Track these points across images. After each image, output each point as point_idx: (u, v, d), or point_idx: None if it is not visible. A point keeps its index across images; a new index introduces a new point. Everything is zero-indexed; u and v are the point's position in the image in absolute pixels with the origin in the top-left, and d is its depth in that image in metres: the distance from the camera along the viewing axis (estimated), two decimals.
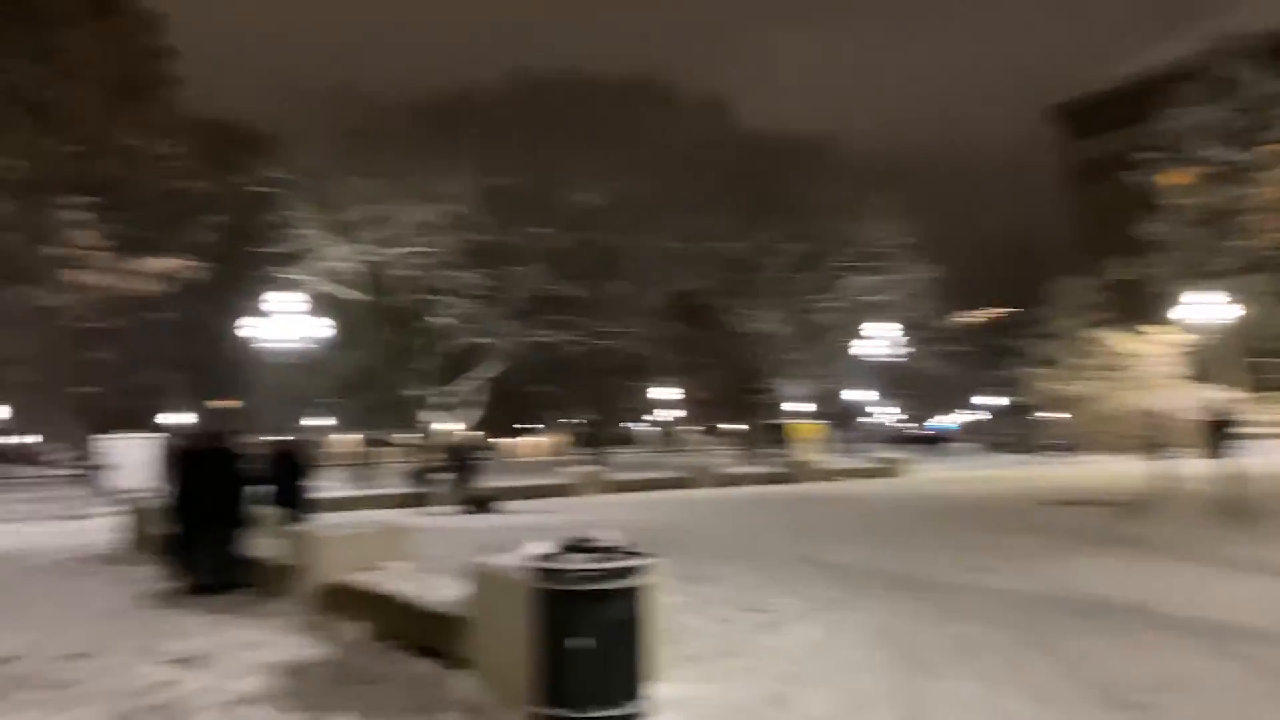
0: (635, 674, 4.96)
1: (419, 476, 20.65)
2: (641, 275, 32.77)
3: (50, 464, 43.29)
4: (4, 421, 40.90)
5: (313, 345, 24.59)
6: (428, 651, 6.47)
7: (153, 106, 25.63)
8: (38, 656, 6.88)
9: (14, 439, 46.21)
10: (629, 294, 32.48)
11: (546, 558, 4.99)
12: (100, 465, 23.72)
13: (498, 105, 30.40)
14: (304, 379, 29.71)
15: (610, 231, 31.26)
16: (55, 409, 35.65)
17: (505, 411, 35.53)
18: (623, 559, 4.93)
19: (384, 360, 29.99)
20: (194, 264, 27.60)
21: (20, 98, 22.12)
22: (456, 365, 30.72)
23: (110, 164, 24.43)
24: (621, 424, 52.36)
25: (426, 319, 29.77)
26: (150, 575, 10.19)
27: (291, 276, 26.67)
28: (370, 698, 5.74)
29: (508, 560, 5.34)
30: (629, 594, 4.93)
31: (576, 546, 5.03)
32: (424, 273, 29.22)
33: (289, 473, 13.32)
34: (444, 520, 16.74)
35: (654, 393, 43.76)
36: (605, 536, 5.07)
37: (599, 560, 4.90)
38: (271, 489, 11.85)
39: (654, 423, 52.15)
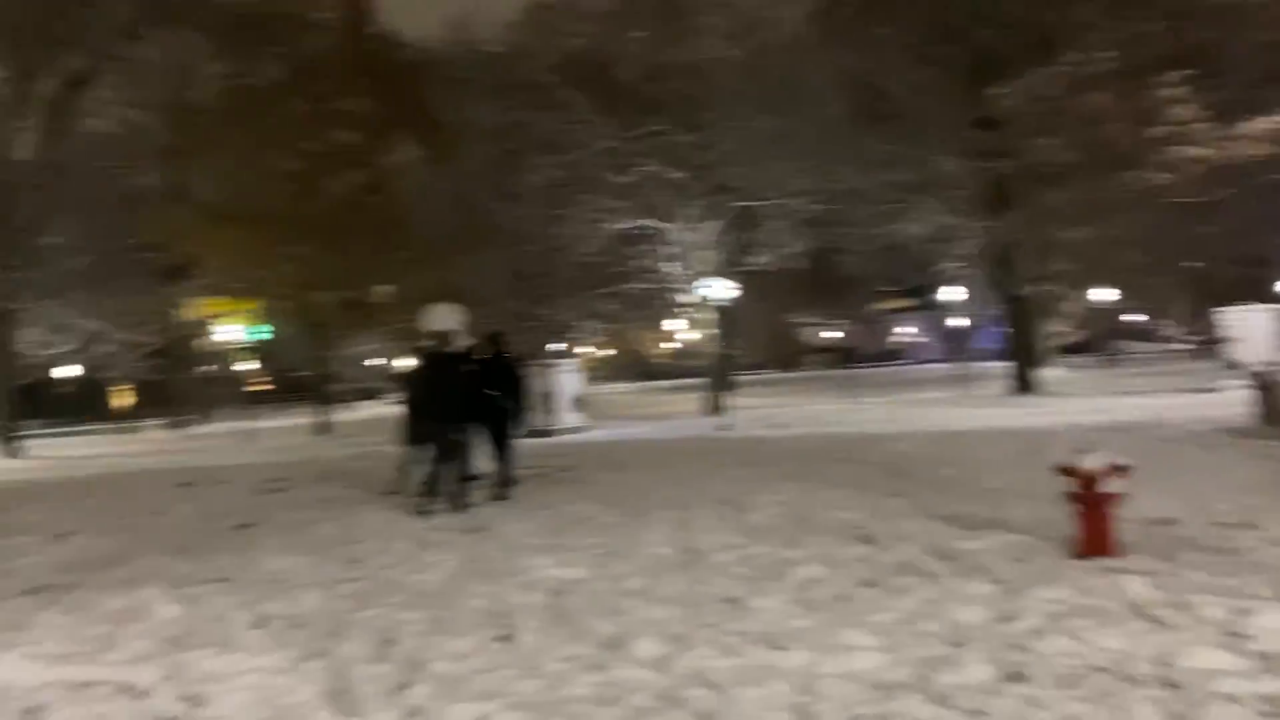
0: None
1: None
2: None
3: (1167, 339, 44.85)
4: (1115, 303, 43.72)
5: None
6: None
7: None
8: (1194, 522, 7.24)
9: (1127, 318, 48.95)
10: None
11: None
12: (1222, 338, 23.69)
13: None
14: None
15: None
16: (1162, 286, 36.64)
17: None
18: None
19: None
20: None
21: None
22: None
23: (1199, 31, 23.73)
24: None
25: None
26: None
27: None
28: None
29: None
30: None
31: None
32: None
33: None
34: None
35: None
36: None
37: None
38: None
39: None
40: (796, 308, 51.37)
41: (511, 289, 27.02)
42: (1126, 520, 6.47)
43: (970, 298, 34.03)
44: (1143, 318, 48.92)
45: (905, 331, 61.42)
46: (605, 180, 24.51)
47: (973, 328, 38.89)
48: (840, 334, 61.93)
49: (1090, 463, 6.42)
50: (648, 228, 25.73)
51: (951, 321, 44.37)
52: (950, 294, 34.43)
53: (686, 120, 24.15)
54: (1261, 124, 24.79)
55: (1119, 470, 6.41)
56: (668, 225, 25.67)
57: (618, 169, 24.31)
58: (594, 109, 23.76)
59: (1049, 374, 27.31)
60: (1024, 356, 26.77)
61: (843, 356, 55.48)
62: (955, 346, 42.61)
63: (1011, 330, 27.50)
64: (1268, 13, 23.48)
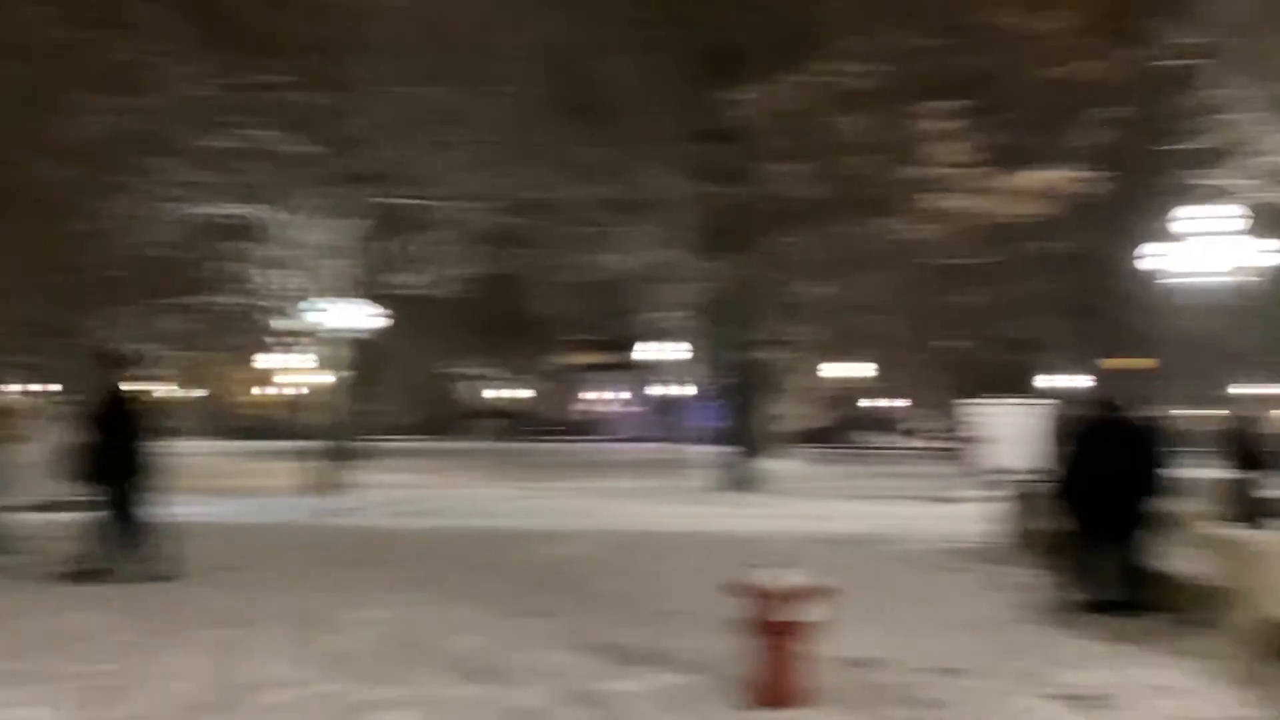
0: None
1: None
2: None
3: (909, 433, 47.40)
4: (869, 380, 45.92)
5: (1251, 279, 22.49)
6: None
7: None
8: (900, 666, 7.57)
9: (878, 403, 51.57)
10: None
11: None
12: (970, 437, 24.90)
13: None
14: (1238, 328, 27.46)
15: None
16: (917, 366, 38.52)
17: None
18: None
19: None
20: (1083, 176, 27.10)
21: None
22: None
23: (979, 55, 25.07)
24: None
25: None
26: (1030, 581, 10.64)
27: (1217, 182, 24.71)
28: None
29: None
30: None
31: None
32: None
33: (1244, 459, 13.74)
34: None
35: None
36: None
37: None
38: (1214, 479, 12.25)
39: None
40: (461, 354, 49.98)
41: (34, 283, 23.63)
42: (823, 660, 6.66)
43: (690, 360, 34.44)
44: (889, 404, 51.71)
45: (604, 398, 61.79)
46: (189, 142, 22.47)
47: (690, 400, 39.58)
48: (519, 394, 61.44)
49: (777, 582, 6.49)
50: (243, 217, 23.81)
51: (662, 389, 45.00)
52: (661, 353, 34.61)
53: (321, 74, 22.59)
54: (1037, 177, 26.51)
55: (815, 594, 6.52)
56: (277, 217, 23.84)
57: (210, 127, 22.33)
58: (186, 37, 21.75)
59: (777, 466, 27.84)
60: (746, 442, 27.04)
61: (519, 424, 55.42)
62: (666, 422, 43.24)
63: (735, 408, 27.76)
64: (1051, 46, 25.24)
